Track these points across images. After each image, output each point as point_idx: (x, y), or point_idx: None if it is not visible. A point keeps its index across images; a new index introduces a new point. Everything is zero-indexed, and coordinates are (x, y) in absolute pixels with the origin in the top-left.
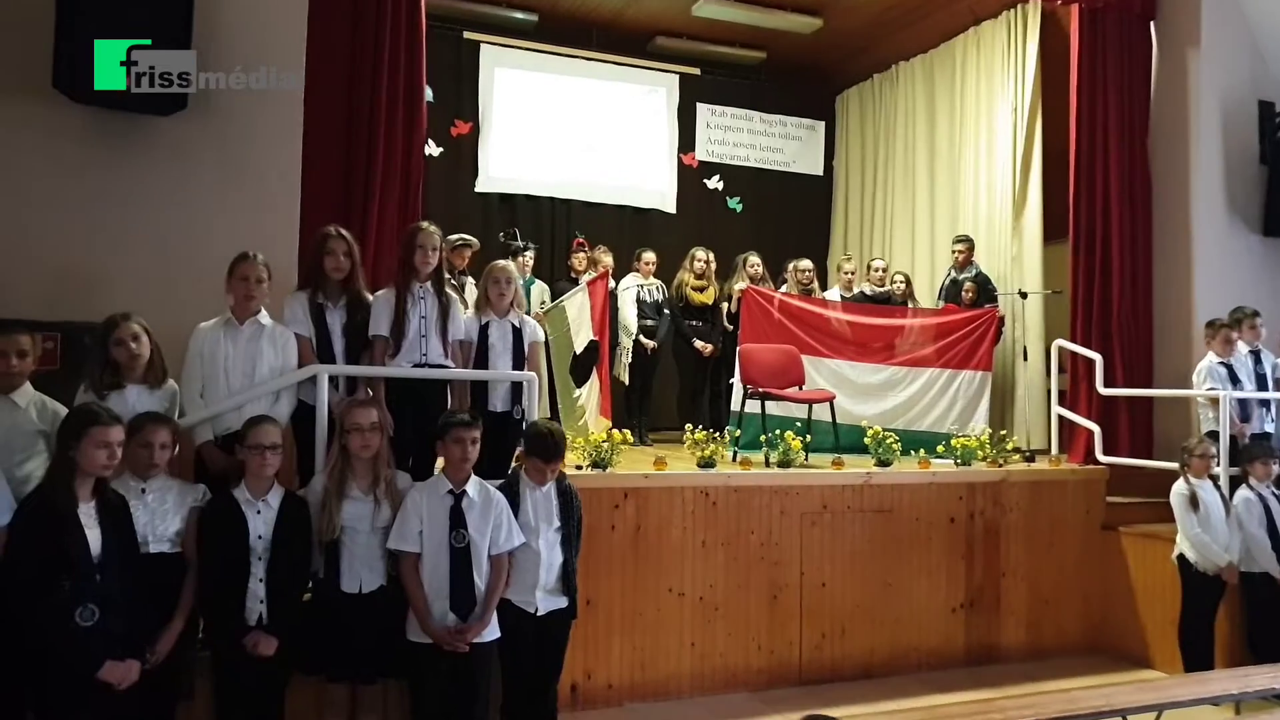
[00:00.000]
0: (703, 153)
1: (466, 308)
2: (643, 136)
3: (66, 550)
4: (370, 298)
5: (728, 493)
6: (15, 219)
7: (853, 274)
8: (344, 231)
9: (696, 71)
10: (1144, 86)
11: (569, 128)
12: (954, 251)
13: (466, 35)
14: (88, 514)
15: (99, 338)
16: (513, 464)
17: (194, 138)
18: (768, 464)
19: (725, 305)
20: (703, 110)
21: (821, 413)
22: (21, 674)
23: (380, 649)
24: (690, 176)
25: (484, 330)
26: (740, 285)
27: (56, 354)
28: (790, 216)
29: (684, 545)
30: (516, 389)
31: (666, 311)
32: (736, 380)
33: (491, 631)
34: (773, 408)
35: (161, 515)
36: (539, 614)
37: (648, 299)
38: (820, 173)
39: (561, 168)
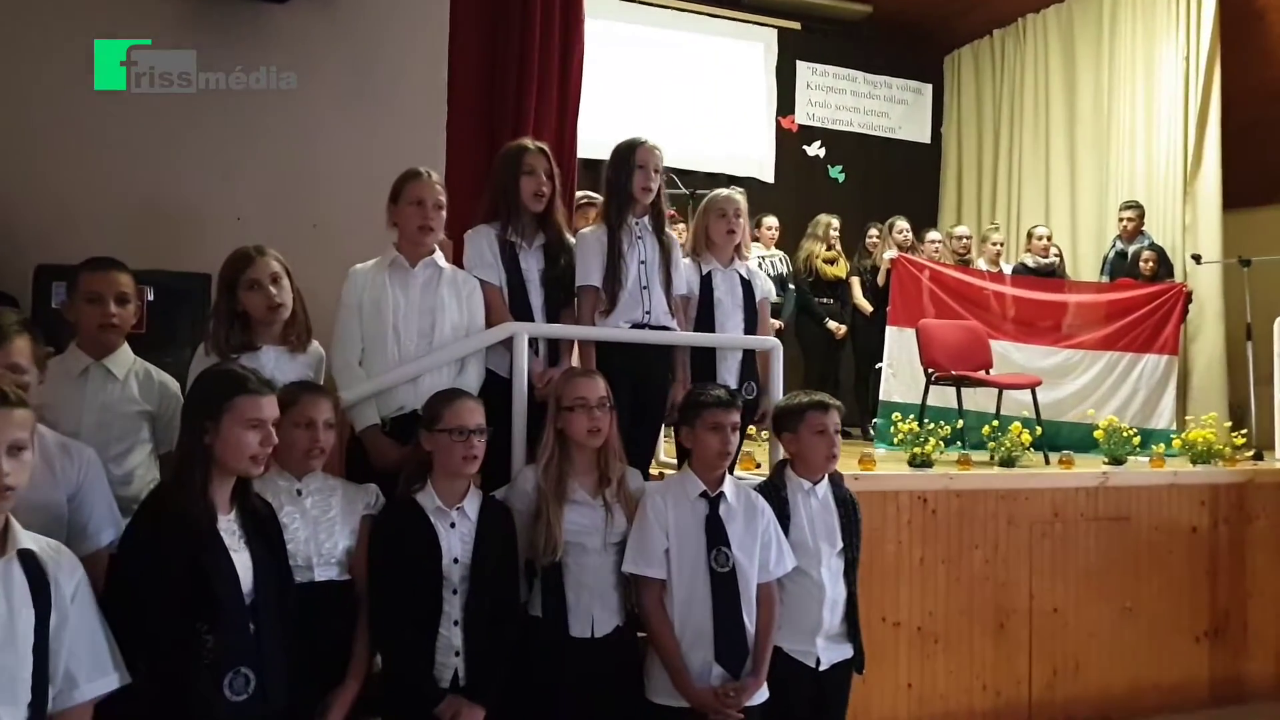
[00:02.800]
0: (803, 116)
1: None
2: (739, 97)
3: (210, 586)
4: (571, 238)
5: (948, 498)
6: (82, 134)
7: (1001, 245)
8: (543, 146)
9: (797, 26)
10: None
11: (659, 87)
12: (1122, 220)
13: None
14: (230, 531)
15: (225, 281)
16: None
17: (315, 31)
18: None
19: (856, 279)
20: (803, 69)
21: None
22: None
23: (614, 713)
24: (790, 142)
25: (706, 281)
26: (890, 254)
27: (142, 313)
28: (895, 187)
29: (899, 563)
30: (747, 360)
31: (792, 287)
32: (886, 365)
33: (761, 691)
34: (934, 397)
35: (327, 528)
36: (820, 668)
37: (771, 272)
38: (927, 140)
39: (651, 131)
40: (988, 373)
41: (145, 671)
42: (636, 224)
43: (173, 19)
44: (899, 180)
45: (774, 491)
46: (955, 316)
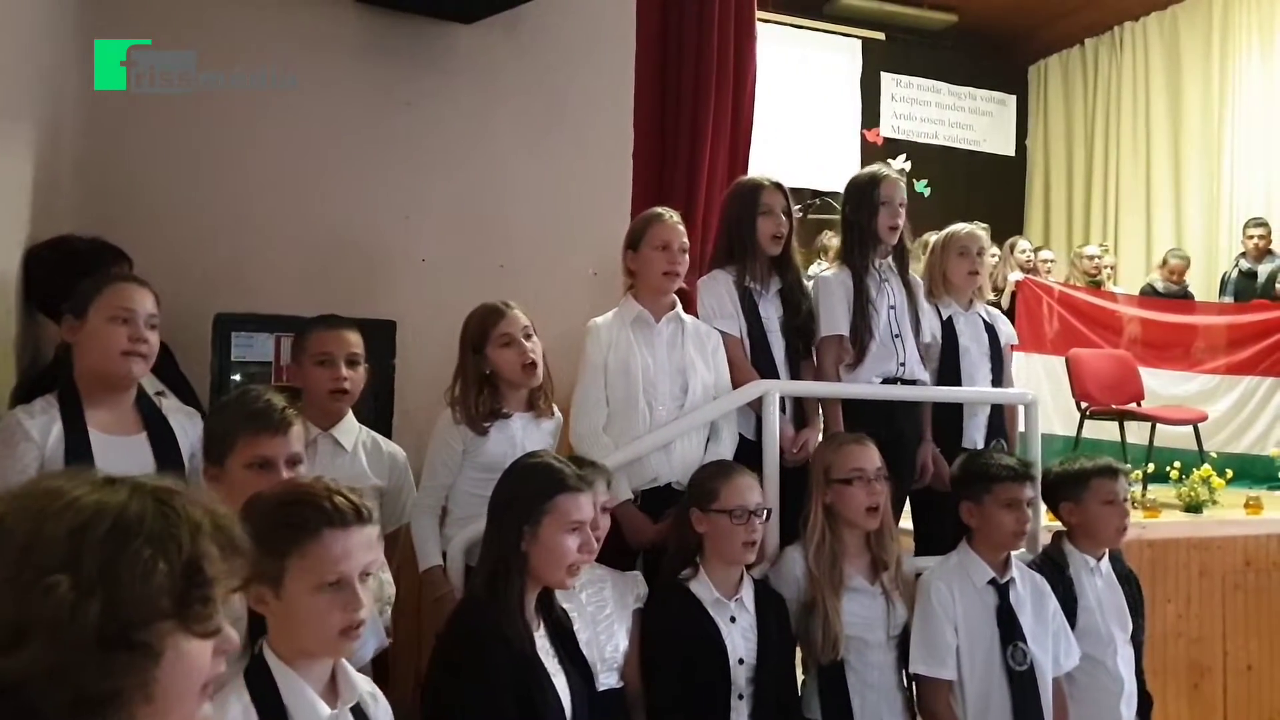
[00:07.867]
0: (888, 129)
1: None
2: (824, 109)
3: None
4: (807, 281)
5: (1140, 548)
6: (257, 176)
7: (1112, 268)
8: (779, 182)
9: (881, 36)
10: None
11: None
12: (1252, 237)
13: None
14: (545, 651)
15: (471, 339)
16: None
17: (498, 52)
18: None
19: None
20: (887, 81)
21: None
22: None
23: None
24: (875, 156)
25: (948, 327)
26: (1015, 276)
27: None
28: (978, 202)
29: None
30: (994, 415)
31: None
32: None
33: None
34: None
35: (606, 627)
36: None
37: None
38: (1011, 153)
39: None
40: (1139, 404)
41: None
42: (880, 265)
43: (349, 38)
44: (982, 195)
45: (1056, 570)
46: (1085, 341)
